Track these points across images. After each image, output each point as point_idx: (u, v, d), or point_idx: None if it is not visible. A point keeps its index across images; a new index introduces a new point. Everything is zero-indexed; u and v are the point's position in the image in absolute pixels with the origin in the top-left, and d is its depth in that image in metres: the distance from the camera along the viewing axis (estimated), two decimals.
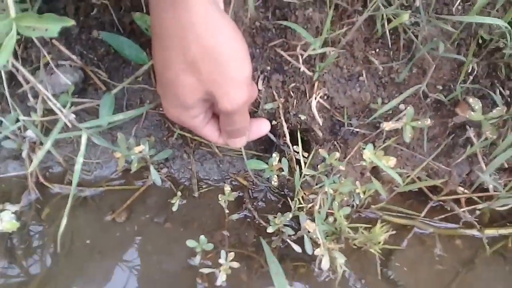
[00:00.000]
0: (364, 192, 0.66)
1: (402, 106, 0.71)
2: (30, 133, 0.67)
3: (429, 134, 0.75)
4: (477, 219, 0.79)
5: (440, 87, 0.72)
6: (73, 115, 0.51)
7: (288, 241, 0.69)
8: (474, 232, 0.78)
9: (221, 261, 0.62)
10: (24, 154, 0.67)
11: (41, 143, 0.70)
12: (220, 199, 0.66)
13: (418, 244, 0.77)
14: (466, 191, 0.79)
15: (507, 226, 0.79)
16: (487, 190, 0.78)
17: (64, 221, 0.55)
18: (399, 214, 0.78)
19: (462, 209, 0.78)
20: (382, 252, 0.70)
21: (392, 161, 0.57)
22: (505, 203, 0.75)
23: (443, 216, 0.79)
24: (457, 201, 0.80)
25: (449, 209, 0.81)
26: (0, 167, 0.73)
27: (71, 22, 0.44)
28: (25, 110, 0.69)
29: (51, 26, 0.44)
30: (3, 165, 0.73)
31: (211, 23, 0.46)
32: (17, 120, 0.64)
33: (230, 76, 0.49)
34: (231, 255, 0.63)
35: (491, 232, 0.78)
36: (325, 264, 0.59)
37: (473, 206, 0.78)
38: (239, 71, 0.49)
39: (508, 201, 0.73)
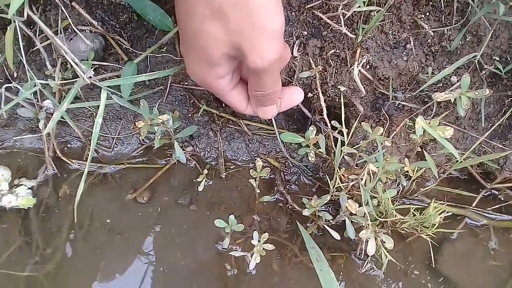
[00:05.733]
0: (413, 172, 0.58)
1: (454, 79, 0.64)
2: (47, 103, 0.62)
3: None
4: None
5: (497, 58, 0.64)
6: (92, 72, 0.46)
7: (326, 227, 0.62)
8: None
9: (254, 242, 0.55)
10: (41, 125, 0.62)
11: None
12: (251, 174, 0.59)
13: (469, 236, 0.70)
14: None
15: None
16: None
17: (81, 189, 0.50)
18: (449, 203, 0.71)
19: None
20: (430, 243, 0.62)
21: (449, 131, 0.49)
22: None
23: (496, 207, 0.72)
24: None
25: (503, 198, 0.74)
26: (16, 140, 0.69)
27: None
28: (43, 79, 0.65)
29: None
30: (19, 138, 0.69)
31: None
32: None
33: (261, 27, 0.43)
34: (265, 236, 0.56)
35: None
36: (371, 248, 0.52)
37: None
38: (271, 23, 0.44)
39: None
